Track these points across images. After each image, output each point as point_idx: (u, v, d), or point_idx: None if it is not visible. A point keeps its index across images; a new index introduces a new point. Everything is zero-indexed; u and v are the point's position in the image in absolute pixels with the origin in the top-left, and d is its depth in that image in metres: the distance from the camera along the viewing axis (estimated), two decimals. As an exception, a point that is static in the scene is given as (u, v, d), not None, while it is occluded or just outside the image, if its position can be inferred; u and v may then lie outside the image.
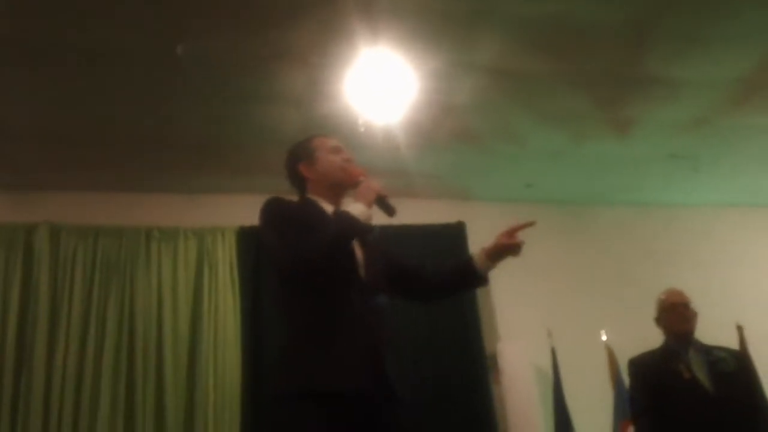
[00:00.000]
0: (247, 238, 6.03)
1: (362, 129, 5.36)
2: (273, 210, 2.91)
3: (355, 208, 2.79)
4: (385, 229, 6.30)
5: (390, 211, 2.95)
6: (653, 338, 4.53)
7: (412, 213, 6.52)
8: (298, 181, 3.16)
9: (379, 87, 4.98)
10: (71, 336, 5.60)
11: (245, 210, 6.05)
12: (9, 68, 4.68)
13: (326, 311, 2.78)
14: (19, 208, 5.94)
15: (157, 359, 5.66)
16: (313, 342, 2.73)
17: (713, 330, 4.67)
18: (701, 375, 4.25)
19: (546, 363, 6.35)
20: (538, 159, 6.38)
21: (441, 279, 3.38)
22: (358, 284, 2.83)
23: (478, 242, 6.48)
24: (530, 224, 3.26)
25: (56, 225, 5.88)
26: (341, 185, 3.07)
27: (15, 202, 5.95)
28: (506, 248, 3.28)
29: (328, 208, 3.00)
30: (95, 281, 5.81)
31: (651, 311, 4.59)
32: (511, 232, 3.34)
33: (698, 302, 4.57)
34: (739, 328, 6.40)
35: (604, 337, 6.48)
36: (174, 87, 4.98)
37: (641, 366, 4.50)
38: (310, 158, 3.13)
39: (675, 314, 4.42)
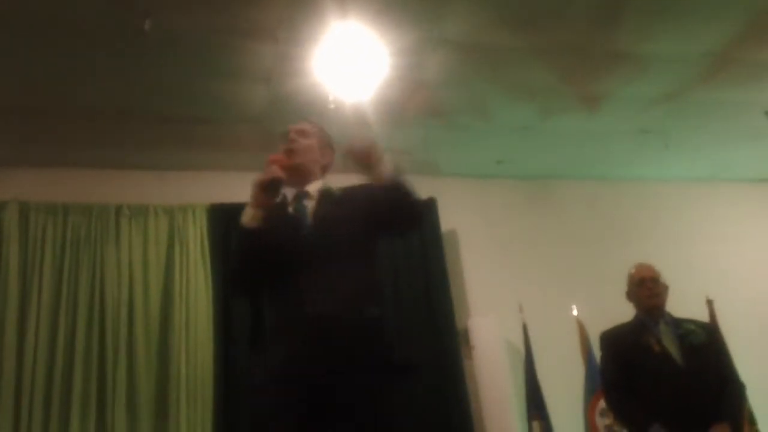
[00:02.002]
0: (217, 214, 6.01)
1: (332, 106, 5.34)
2: None
3: (244, 213, 2.84)
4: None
5: (273, 193, 2.87)
6: (624, 312, 4.55)
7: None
8: None
9: (348, 63, 4.96)
10: (42, 314, 5.57)
11: (215, 187, 6.08)
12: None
13: (273, 302, 2.87)
14: (-14, 185, 5.86)
15: (129, 336, 5.66)
16: (271, 341, 2.84)
17: (684, 303, 4.70)
18: (671, 348, 4.28)
19: (517, 338, 6.39)
20: (508, 134, 6.38)
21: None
22: (301, 263, 2.76)
23: (449, 218, 6.58)
24: None
25: (25, 202, 5.83)
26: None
27: (-18, 179, 5.88)
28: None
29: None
30: (65, 259, 5.78)
31: (621, 285, 4.61)
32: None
33: (668, 276, 4.60)
34: (709, 302, 6.48)
35: (575, 312, 6.53)
36: (142, 63, 4.92)
37: (612, 339, 4.52)
38: None
39: (644, 288, 4.44)
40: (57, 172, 6.06)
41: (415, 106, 5.68)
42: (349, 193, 3.02)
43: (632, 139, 6.67)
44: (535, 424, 6.04)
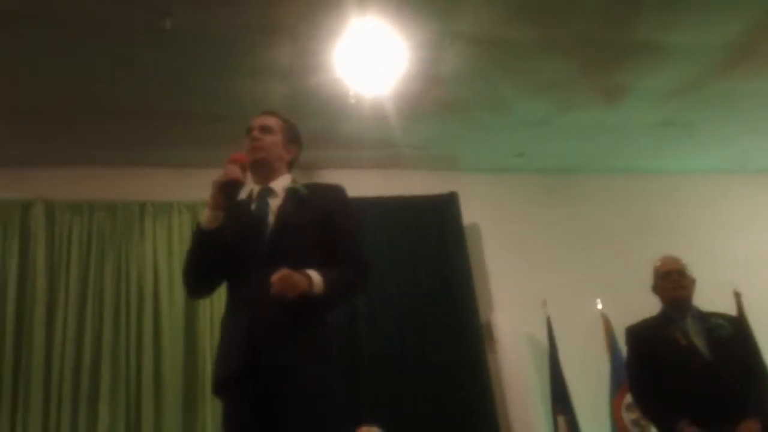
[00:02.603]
0: (239, 210, 6.02)
1: (352, 101, 5.34)
2: None
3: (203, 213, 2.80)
4: (377, 201, 6.39)
5: (232, 194, 2.76)
6: (648, 305, 4.53)
7: (402, 184, 6.55)
8: None
9: (367, 58, 4.96)
10: (69, 311, 5.67)
11: (237, 183, 6.10)
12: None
13: (229, 302, 2.85)
14: (12, 184, 5.96)
15: (155, 330, 5.74)
16: (221, 333, 2.87)
17: (711, 296, 4.66)
18: (698, 341, 4.25)
19: (541, 332, 6.36)
20: (528, 128, 6.35)
21: None
22: (259, 262, 2.71)
23: (470, 212, 6.56)
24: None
25: (51, 201, 5.94)
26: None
27: (9, 178, 5.97)
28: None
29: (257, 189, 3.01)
30: (91, 256, 5.87)
31: (646, 279, 4.57)
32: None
33: (695, 269, 4.56)
34: (737, 294, 6.41)
35: (599, 306, 6.48)
36: (163, 61, 4.97)
37: (638, 334, 4.49)
38: None
39: (669, 281, 4.40)
40: (82, 170, 6.13)
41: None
42: (316, 193, 2.94)
43: (653, 132, 6.61)
44: (560, 419, 6.02)
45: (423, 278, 6.30)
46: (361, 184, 6.43)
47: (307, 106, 5.45)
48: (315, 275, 2.59)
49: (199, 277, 2.87)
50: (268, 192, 2.92)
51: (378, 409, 5.61)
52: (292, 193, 2.89)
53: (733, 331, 4.31)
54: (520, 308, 6.33)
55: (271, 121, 3.07)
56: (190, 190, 6.09)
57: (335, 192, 2.98)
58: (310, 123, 5.77)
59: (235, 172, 2.73)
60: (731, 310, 5.96)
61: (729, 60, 5.57)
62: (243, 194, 2.93)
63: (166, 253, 5.95)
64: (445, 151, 6.62)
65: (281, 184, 2.94)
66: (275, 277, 2.48)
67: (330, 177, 6.27)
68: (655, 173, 7.30)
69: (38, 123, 5.57)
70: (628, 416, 6.01)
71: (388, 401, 5.79)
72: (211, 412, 5.50)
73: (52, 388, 5.44)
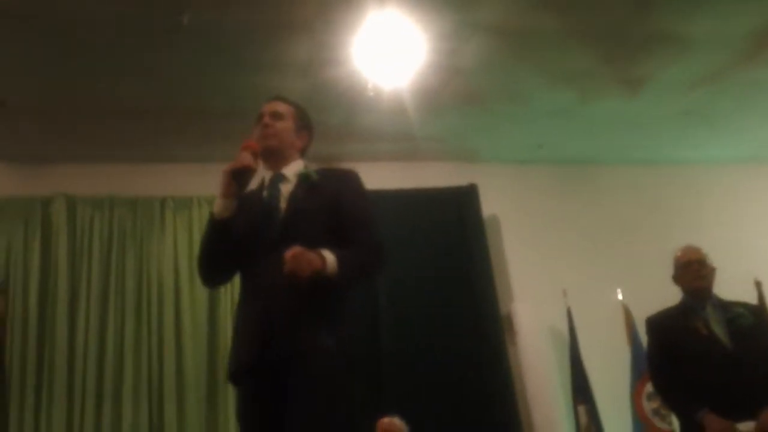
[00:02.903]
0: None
1: (371, 93, 5.34)
2: None
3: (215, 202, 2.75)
4: (397, 194, 6.40)
5: (243, 182, 2.71)
6: (669, 296, 4.50)
7: (421, 176, 6.55)
8: None
9: (386, 51, 4.95)
10: (91, 306, 5.74)
11: (256, 177, 6.12)
12: (15, 41, 4.72)
13: (242, 290, 2.82)
14: (34, 180, 6.04)
15: (176, 324, 5.80)
16: (234, 321, 2.86)
17: (731, 286, 4.63)
18: (719, 331, 4.22)
19: (561, 323, 6.37)
20: (548, 119, 6.33)
21: None
22: (270, 249, 2.65)
23: (490, 204, 6.56)
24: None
25: (72, 196, 5.99)
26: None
27: (30, 174, 6.05)
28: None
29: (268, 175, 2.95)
30: (113, 251, 5.94)
31: (666, 269, 4.55)
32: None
33: (715, 259, 4.53)
34: (758, 284, 6.38)
35: (619, 296, 6.47)
36: (182, 57, 4.99)
37: (658, 324, 4.47)
38: None
39: (690, 271, 4.38)
40: (102, 166, 6.18)
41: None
42: (327, 178, 2.88)
43: (674, 122, 6.57)
44: (581, 409, 6.03)
45: (443, 270, 6.31)
46: (380, 176, 6.44)
47: (325, 100, 5.46)
48: (329, 254, 2.54)
49: (213, 266, 2.85)
50: (280, 178, 2.86)
51: (399, 401, 5.65)
52: (303, 179, 2.83)
53: (754, 320, 4.28)
54: (540, 299, 6.33)
55: (282, 107, 2.98)
56: (209, 185, 6.05)
57: (347, 176, 2.91)
58: (329, 116, 5.80)
59: (246, 158, 2.68)
60: (752, 299, 5.95)
61: (750, 50, 5.53)
62: (255, 182, 2.89)
63: (186, 247, 5.98)
64: (464, 143, 6.61)
65: (293, 170, 2.88)
66: (288, 254, 2.45)
67: (349, 170, 6.34)
68: (675, 164, 7.25)
69: (59, 120, 5.63)
70: (648, 405, 6.01)
71: (409, 393, 5.80)
72: (233, 406, 5.53)
73: (75, 384, 5.51)
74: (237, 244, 2.73)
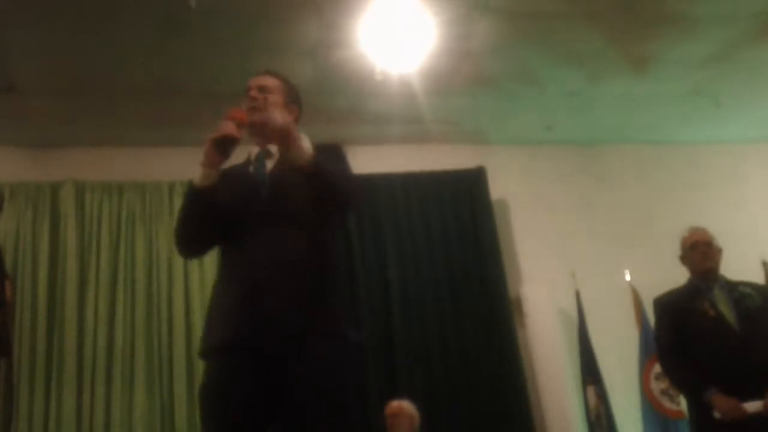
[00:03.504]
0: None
1: (379, 77, 5.33)
2: None
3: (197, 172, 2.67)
4: (405, 177, 6.41)
5: (226, 151, 2.61)
6: (677, 276, 4.50)
7: (431, 159, 6.55)
8: None
9: (396, 34, 4.94)
10: (101, 291, 5.73)
11: (265, 160, 6.14)
12: (24, 26, 4.72)
13: (222, 264, 2.74)
14: (43, 165, 6.03)
15: (186, 309, 5.80)
16: (212, 297, 2.75)
17: (739, 266, 4.64)
18: (726, 311, 4.22)
19: (570, 305, 6.37)
20: (557, 100, 6.32)
21: None
22: (255, 225, 2.62)
23: (499, 186, 6.56)
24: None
25: (81, 182, 5.99)
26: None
27: (39, 159, 6.04)
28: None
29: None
30: (121, 236, 5.93)
31: (674, 250, 4.55)
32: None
33: (723, 239, 4.52)
34: (765, 264, 6.39)
35: (627, 278, 6.48)
36: (189, 40, 4.98)
37: (666, 305, 4.47)
38: None
39: (697, 252, 4.38)
40: (111, 151, 6.18)
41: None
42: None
43: (683, 102, 6.55)
44: (590, 390, 6.04)
45: (452, 253, 6.33)
46: (388, 159, 6.49)
47: (334, 83, 5.47)
48: (306, 141, 2.50)
49: (190, 236, 2.74)
50: (266, 154, 2.78)
51: (410, 383, 5.68)
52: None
53: (761, 301, 4.28)
54: (549, 281, 6.34)
55: (270, 81, 2.89)
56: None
57: (330, 149, 2.79)
58: (338, 99, 5.81)
59: (229, 127, 2.59)
60: (760, 279, 5.95)
61: (758, 29, 5.52)
62: (243, 157, 2.83)
63: (195, 231, 5.98)
64: (473, 125, 6.59)
65: None
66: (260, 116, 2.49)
67: (358, 153, 6.30)
68: (683, 144, 7.24)
69: (67, 104, 5.62)
70: (657, 386, 6.02)
71: (420, 377, 5.85)
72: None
73: (84, 370, 5.51)
74: (220, 218, 2.65)
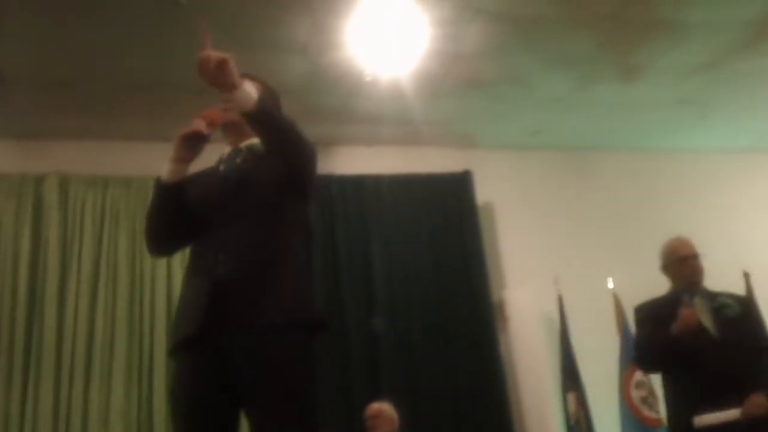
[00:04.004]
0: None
1: (369, 78, 5.34)
2: None
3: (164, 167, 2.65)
4: (393, 179, 6.42)
5: (194, 148, 2.60)
6: (659, 285, 4.52)
7: (419, 161, 6.56)
8: None
9: (386, 35, 4.95)
10: (82, 284, 5.68)
11: (252, 158, 6.12)
12: (12, 15, 4.68)
13: (190, 262, 2.70)
14: (27, 157, 5.97)
15: (167, 305, 5.74)
16: (180, 294, 2.73)
17: (721, 276, 4.65)
18: (706, 320, 4.24)
19: (553, 310, 6.39)
20: (545, 105, 6.35)
21: None
22: (219, 221, 2.60)
23: (486, 190, 6.57)
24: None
25: (65, 175, 5.94)
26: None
27: (23, 151, 5.98)
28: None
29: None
30: (105, 230, 5.88)
31: (657, 258, 4.54)
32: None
33: (706, 248, 4.53)
34: (746, 275, 6.42)
35: (610, 284, 6.50)
36: (178, 35, 4.95)
37: (647, 312, 4.48)
38: None
39: (687, 266, 4.39)
40: (96, 144, 6.13)
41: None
42: None
43: (670, 110, 6.60)
44: (571, 397, 6.06)
45: (437, 256, 6.35)
46: (377, 160, 6.49)
47: (324, 83, 5.47)
48: (249, 85, 2.47)
49: (156, 233, 2.75)
50: (237, 152, 2.78)
51: (392, 385, 5.69)
52: (251, 149, 2.75)
53: (741, 311, 4.31)
54: (532, 286, 6.34)
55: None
56: (204, 164, 6.11)
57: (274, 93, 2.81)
58: (328, 99, 5.80)
59: (199, 125, 2.59)
60: (741, 289, 5.99)
61: (747, 38, 5.57)
62: (216, 157, 2.83)
63: (179, 227, 5.96)
64: (462, 128, 6.61)
65: (249, 143, 2.78)
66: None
67: (346, 153, 6.34)
68: (670, 152, 7.27)
69: (53, 96, 5.58)
70: (637, 394, 6.05)
71: (402, 378, 5.85)
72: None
73: (63, 364, 5.46)
74: (187, 215, 2.64)
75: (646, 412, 6.03)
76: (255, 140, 2.77)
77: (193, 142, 2.59)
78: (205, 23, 2.61)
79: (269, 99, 2.75)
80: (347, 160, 6.22)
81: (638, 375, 5.90)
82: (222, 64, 2.43)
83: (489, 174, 6.66)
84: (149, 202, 2.78)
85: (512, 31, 5.21)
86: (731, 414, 3.93)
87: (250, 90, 2.47)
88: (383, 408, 5.19)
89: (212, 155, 2.80)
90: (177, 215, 2.65)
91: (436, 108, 6.13)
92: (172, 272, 5.81)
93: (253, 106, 2.45)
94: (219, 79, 2.44)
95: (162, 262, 5.80)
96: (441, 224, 6.45)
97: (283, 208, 2.64)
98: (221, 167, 2.79)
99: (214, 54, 2.45)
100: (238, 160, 2.75)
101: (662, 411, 5.37)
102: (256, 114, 2.48)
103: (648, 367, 4.80)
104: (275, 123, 2.56)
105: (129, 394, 5.51)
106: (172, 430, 2.56)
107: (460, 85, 5.85)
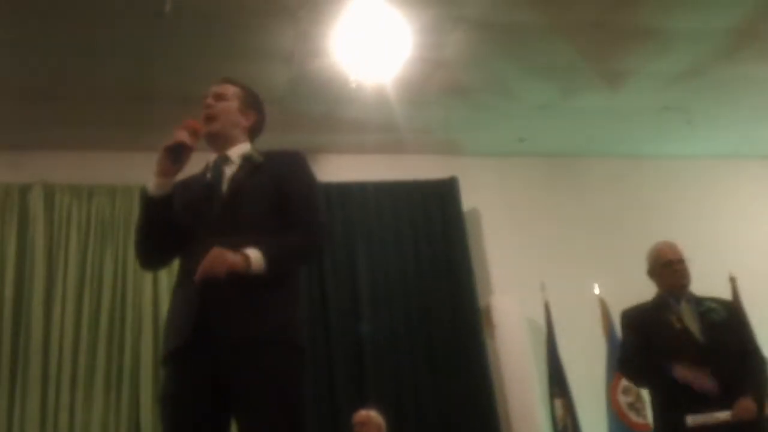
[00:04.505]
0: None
1: (353, 86, 5.34)
2: None
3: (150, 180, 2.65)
4: (379, 186, 6.42)
5: (178, 159, 2.58)
6: (646, 290, 4.52)
7: (404, 168, 6.57)
8: None
9: (370, 42, 4.95)
10: (68, 294, 5.68)
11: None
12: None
13: (179, 273, 2.71)
14: (12, 167, 5.95)
15: (154, 315, 5.74)
16: (169, 305, 2.74)
17: (707, 281, 4.65)
18: (692, 325, 4.25)
19: (539, 316, 6.39)
20: (530, 112, 6.36)
21: None
22: (209, 232, 2.59)
23: (471, 196, 6.59)
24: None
25: (50, 185, 5.93)
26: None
27: (8, 161, 5.95)
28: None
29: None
30: (90, 240, 5.88)
31: (643, 263, 4.54)
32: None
33: (692, 254, 4.54)
34: (732, 280, 6.45)
35: (597, 290, 6.51)
36: (163, 44, 4.96)
37: (633, 317, 4.49)
38: None
39: (671, 271, 4.39)
40: (81, 154, 6.12)
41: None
42: (271, 159, 2.77)
43: (655, 117, 6.62)
44: (558, 403, 6.06)
45: (423, 263, 6.35)
46: (362, 168, 6.49)
47: (309, 90, 5.47)
48: (253, 253, 2.45)
49: (146, 246, 2.74)
50: (223, 160, 2.76)
51: (378, 392, 5.67)
52: (247, 160, 2.74)
53: (726, 315, 4.32)
54: (519, 292, 6.34)
55: (226, 89, 2.90)
56: (189, 173, 6.10)
57: (291, 157, 2.81)
58: (312, 107, 5.81)
59: (181, 135, 2.57)
60: (727, 294, 6.01)
61: (731, 45, 5.59)
62: (201, 165, 2.82)
63: (165, 237, 5.94)
64: (446, 135, 6.63)
65: (238, 152, 2.78)
66: (206, 260, 2.40)
67: (331, 161, 6.34)
68: (655, 158, 7.31)
69: (38, 106, 5.56)
70: (624, 399, 6.05)
71: (388, 384, 5.84)
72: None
73: (50, 373, 5.45)
74: (176, 226, 2.64)
75: (634, 418, 6.03)
76: (249, 149, 2.80)
77: (177, 154, 2.58)
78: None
79: (251, 128, 2.87)
80: (332, 168, 6.21)
81: (625, 380, 5.91)
82: (232, 267, 2.42)
83: (474, 181, 6.68)
84: (134, 211, 2.79)
85: (495, 38, 5.23)
86: (722, 416, 3.94)
87: (256, 263, 2.46)
88: (371, 415, 5.17)
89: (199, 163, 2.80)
90: (166, 228, 2.64)
91: (420, 115, 6.14)
92: (157, 281, 5.80)
93: (265, 271, 2.47)
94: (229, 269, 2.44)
95: (148, 275, 5.78)
96: (426, 231, 6.46)
97: (273, 223, 2.63)
98: (208, 175, 2.77)
99: (221, 264, 2.41)
100: (228, 169, 2.73)
101: (649, 416, 5.39)
102: (269, 273, 2.48)
103: (633, 383, 4.85)
104: (287, 266, 2.62)
105: (116, 403, 5.50)
106: None
107: (444, 92, 5.87)
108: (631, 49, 5.54)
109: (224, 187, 2.69)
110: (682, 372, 4.00)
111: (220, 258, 2.40)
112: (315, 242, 2.71)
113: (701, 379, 3.97)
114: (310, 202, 2.73)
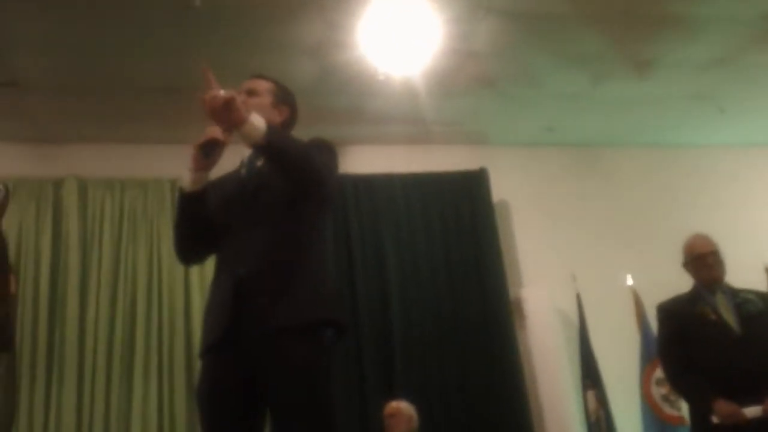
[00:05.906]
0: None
1: (381, 77, 5.33)
2: None
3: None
4: (407, 177, 6.41)
5: (212, 155, 2.60)
6: (679, 280, 4.49)
7: (433, 160, 6.55)
8: None
9: (398, 34, 4.94)
10: (102, 287, 5.76)
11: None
12: (28, 20, 4.73)
13: (216, 266, 2.73)
14: (45, 161, 6.04)
15: (186, 305, 5.82)
16: (207, 298, 2.76)
17: (741, 272, 4.62)
18: (728, 316, 4.22)
19: (570, 308, 6.36)
20: (559, 102, 6.33)
21: None
22: (241, 223, 2.64)
23: (500, 187, 6.56)
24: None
25: (83, 178, 6.01)
26: None
27: (41, 155, 6.05)
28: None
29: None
30: (123, 232, 5.96)
31: (676, 254, 4.53)
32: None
33: (725, 244, 4.50)
34: (767, 269, 6.36)
35: (629, 281, 6.46)
36: (193, 38, 4.98)
37: (669, 310, 4.47)
38: None
39: (703, 264, 4.36)
40: (113, 147, 6.19)
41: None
42: None
43: (685, 105, 6.56)
44: (590, 394, 6.03)
45: (453, 254, 6.34)
46: (390, 160, 6.49)
47: (337, 82, 5.47)
48: (257, 117, 2.46)
49: (184, 242, 2.78)
50: (257, 156, 2.76)
51: (408, 384, 5.68)
52: None
53: (763, 306, 4.28)
54: (549, 284, 6.32)
55: (258, 84, 2.92)
56: (219, 166, 6.13)
57: (314, 141, 2.78)
58: (340, 99, 5.81)
59: (214, 131, 2.58)
60: (762, 284, 5.93)
61: (761, 34, 5.52)
62: (237, 161, 2.87)
63: (196, 228, 5.99)
64: (475, 126, 6.60)
65: None
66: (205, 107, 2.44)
67: (359, 153, 6.34)
68: (685, 147, 7.23)
69: (70, 100, 5.64)
70: (657, 391, 6.01)
71: (418, 376, 5.85)
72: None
73: (85, 364, 5.54)
74: (211, 223, 2.68)
75: (667, 410, 6.00)
76: None
77: (210, 150, 2.60)
78: (206, 67, 2.63)
79: (284, 123, 2.84)
80: (359, 160, 6.20)
81: (658, 372, 5.85)
82: (229, 103, 2.43)
83: (503, 171, 6.65)
84: (166, 204, 2.83)
85: (524, 28, 5.21)
86: (754, 410, 3.91)
87: (258, 123, 2.46)
88: (401, 406, 5.19)
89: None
90: (202, 223, 2.69)
91: (448, 106, 6.13)
92: (189, 272, 5.84)
93: (262, 140, 2.46)
94: (227, 117, 2.46)
95: (180, 266, 5.82)
96: (455, 222, 6.45)
97: (300, 212, 2.65)
98: (243, 171, 2.82)
99: (220, 94, 2.45)
100: (259, 163, 2.76)
101: (683, 409, 5.35)
102: (264, 147, 2.49)
103: (673, 388, 4.84)
104: (284, 156, 2.55)
105: (147, 394, 5.56)
106: (201, 431, 2.61)
107: (473, 83, 5.84)
108: (660, 37, 5.48)
109: (252, 178, 2.73)
110: (720, 407, 3.96)
111: (216, 97, 2.43)
112: (316, 167, 2.61)
113: (736, 417, 3.92)
114: (324, 158, 2.68)
